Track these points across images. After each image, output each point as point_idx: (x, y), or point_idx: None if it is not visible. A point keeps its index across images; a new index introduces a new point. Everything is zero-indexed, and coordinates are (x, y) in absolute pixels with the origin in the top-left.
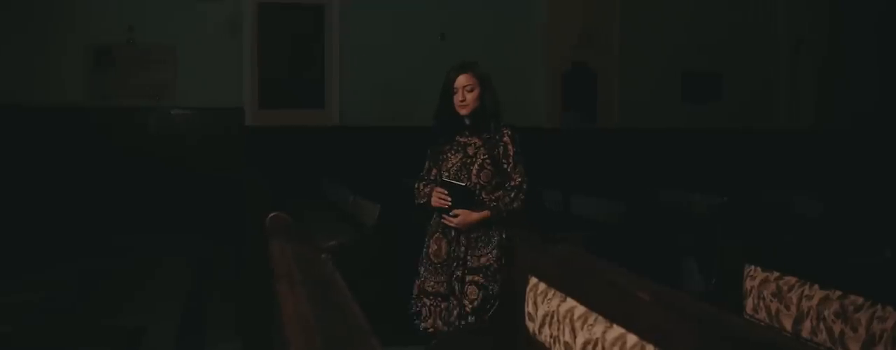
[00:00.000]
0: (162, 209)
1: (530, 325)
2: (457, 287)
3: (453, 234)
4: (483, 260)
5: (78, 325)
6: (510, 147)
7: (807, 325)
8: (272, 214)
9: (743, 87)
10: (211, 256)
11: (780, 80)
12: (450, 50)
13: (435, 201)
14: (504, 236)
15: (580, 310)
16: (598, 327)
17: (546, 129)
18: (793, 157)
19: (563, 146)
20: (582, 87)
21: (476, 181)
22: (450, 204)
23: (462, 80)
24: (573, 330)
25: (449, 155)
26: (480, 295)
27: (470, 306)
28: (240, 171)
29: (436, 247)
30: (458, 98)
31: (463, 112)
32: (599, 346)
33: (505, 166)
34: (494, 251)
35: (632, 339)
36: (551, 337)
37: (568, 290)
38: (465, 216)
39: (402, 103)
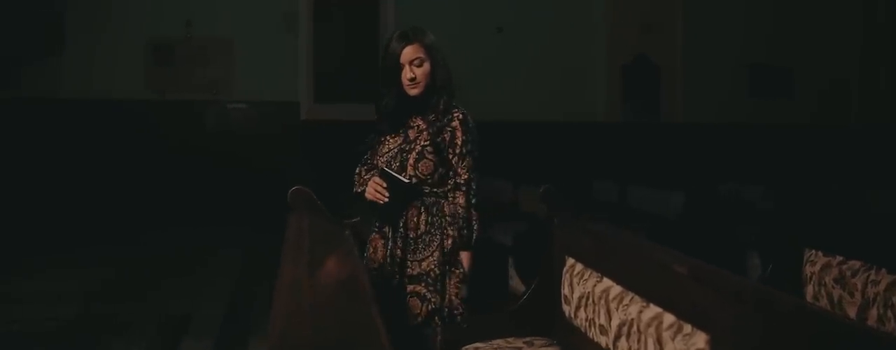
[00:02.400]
0: (216, 201)
1: (566, 308)
2: (393, 298)
3: (389, 232)
4: (424, 265)
5: (126, 312)
6: (459, 133)
7: (873, 312)
8: (294, 188)
9: (813, 81)
10: (261, 247)
11: (852, 73)
12: (507, 43)
13: (370, 193)
14: (448, 235)
15: (616, 290)
16: (634, 307)
17: (606, 123)
18: (867, 153)
19: (623, 140)
20: (644, 80)
21: (413, 173)
22: (386, 199)
23: (409, 52)
24: (608, 311)
25: (388, 138)
26: (423, 309)
27: (413, 322)
28: (290, 165)
29: (371, 249)
30: (406, 75)
31: (414, 92)
32: (635, 326)
33: (450, 157)
34: (436, 253)
35: (669, 318)
36: (587, 320)
37: (604, 268)
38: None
39: (458, 97)
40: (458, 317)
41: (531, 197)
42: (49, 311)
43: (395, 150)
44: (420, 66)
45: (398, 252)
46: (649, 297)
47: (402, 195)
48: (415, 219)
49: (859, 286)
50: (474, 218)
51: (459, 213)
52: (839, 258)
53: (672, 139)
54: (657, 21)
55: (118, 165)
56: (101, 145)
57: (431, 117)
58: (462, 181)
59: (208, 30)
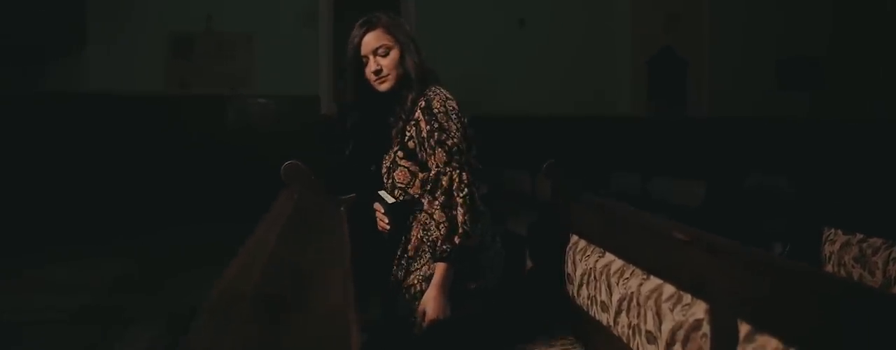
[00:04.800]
0: (235, 196)
1: (570, 287)
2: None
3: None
4: (410, 279)
5: (136, 305)
6: (423, 124)
7: (895, 291)
8: (287, 163)
9: (845, 74)
10: None
11: (883, 65)
12: (529, 36)
13: (379, 225)
14: (441, 248)
15: (617, 264)
16: (634, 281)
17: (631, 117)
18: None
19: (647, 135)
20: (669, 74)
21: (399, 184)
22: (389, 226)
23: (371, 40)
24: (609, 286)
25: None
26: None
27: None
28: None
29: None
30: (369, 68)
31: (383, 87)
32: (635, 300)
33: (422, 156)
34: (423, 268)
35: (668, 289)
36: (588, 298)
37: (606, 242)
38: (430, 305)
39: (479, 92)
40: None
41: (546, 185)
42: (59, 303)
43: (387, 165)
44: (386, 54)
45: (400, 274)
46: (649, 268)
47: (401, 218)
48: (415, 235)
49: (880, 264)
50: (442, 221)
51: (423, 219)
52: (859, 236)
53: (698, 133)
54: (683, 13)
55: (138, 160)
56: (121, 139)
57: (400, 118)
58: (429, 177)
59: (228, 24)
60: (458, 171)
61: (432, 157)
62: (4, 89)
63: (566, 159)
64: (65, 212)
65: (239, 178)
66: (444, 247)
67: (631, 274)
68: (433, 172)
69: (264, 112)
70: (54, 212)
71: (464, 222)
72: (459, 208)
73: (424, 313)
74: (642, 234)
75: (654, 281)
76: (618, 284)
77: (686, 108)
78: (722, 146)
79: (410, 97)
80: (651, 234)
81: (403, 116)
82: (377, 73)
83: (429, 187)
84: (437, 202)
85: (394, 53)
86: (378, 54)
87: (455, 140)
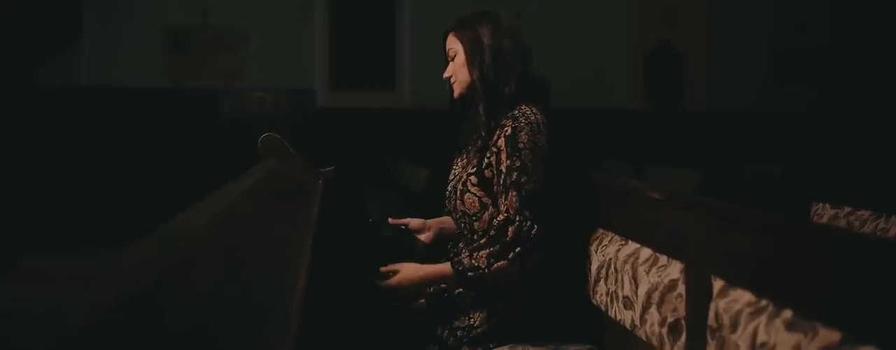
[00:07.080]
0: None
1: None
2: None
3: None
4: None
5: None
6: (503, 155)
7: None
8: (264, 134)
9: (846, 67)
10: None
11: (887, 58)
12: (527, 29)
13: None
14: (467, 270)
15: (596, 233)
16: (612, 247)
17: (628, 111)
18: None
19: (645, 128)
20: (667, 68)
21: (464, 211)
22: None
23: (447, 42)
24: (588, 256)
25: (456, 161)
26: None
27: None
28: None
29: None
30: (445, 74)
31: (455, 94)
32: (612, 266)
33: (495, 189)
34: (479, 317)
35: (645, 252)
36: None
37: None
38: (403, 274)
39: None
40: None
41: None
42: (59, 294)
43: (456, 184)
44: (453, 59)
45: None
46: (626, 233)
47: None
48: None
49: None
50: (498, 272)
51: (479, 265)
52: (847, 209)
53: (695, 127)
54: (681, 6)
55: (134, 153)
56: (117, 133)
57: (480, 135)
58: (497, 222)
59: (225, 17)
60: (528, 224)
61: (504, 198)
62: (1, 82)
63: (563, 149)
64: (62, 204)
65: (235, 171)
66: (469, 273)
67: (609, 241)
68: (502, 218)
69: (261, 105)
70: (51, 204)
71: (503, 281)
72: (510, 266)
73: (393, 272)
74: (619, 198)
75: (632, 245)
76: (596, 252)
77: (683, 101)
78: (717, 138)
79: (481, 110)
80: (626, 198)
81: (484, 133)
82: (447, 78)
83: (493, 233)
84: (492, 261)
85: (459, 59)
86: (449, 58)
87: (535, 185)
